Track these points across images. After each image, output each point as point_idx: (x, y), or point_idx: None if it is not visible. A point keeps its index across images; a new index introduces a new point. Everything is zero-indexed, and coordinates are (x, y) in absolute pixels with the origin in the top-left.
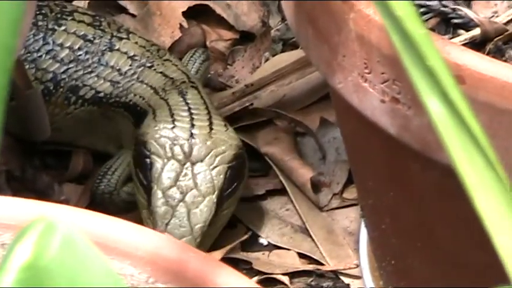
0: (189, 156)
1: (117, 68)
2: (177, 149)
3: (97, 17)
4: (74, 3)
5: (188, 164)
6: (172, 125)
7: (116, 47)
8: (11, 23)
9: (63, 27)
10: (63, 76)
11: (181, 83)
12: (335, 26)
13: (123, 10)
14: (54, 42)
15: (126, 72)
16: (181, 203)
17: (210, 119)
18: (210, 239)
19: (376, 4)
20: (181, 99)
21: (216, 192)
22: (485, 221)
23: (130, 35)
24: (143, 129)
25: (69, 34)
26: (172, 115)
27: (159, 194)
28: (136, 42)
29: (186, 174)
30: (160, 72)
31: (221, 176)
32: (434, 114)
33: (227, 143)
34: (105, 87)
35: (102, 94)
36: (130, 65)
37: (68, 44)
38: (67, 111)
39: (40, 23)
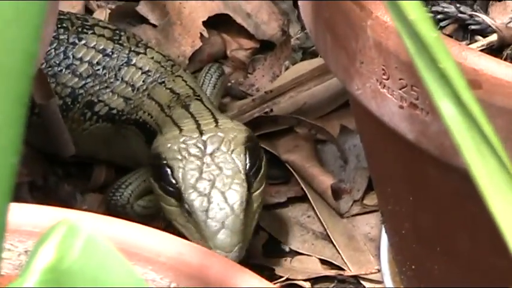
0: (204, 149)
1: (131, 83)
2: (191, 147)
3: (117, 31)
4: (95, 15)
5: (206, 156)
6: (179, 131)
7: (133, 62)
8: (31, 28)
9: (83, 41)
10: (81, 91)
11: (185, 98)
12: (353, 33)
13: (144, 20)
14: (74, 57)
15: (138, 88)
16: (213, 190)
17: (214, 117)
18: (252, 221)
19: (389, 8)
20: (184, 110)
21: (242, 171)
22: (499, 223)
23: (148, 50)
24: (153, 146)
25: (88, 48)
26: (176, 124)
27: (190, 189)
28: (152, 57)
29: (208, 165)
30: (169, 89)
31: (241, 156)
32: (447, 117)
33: (235, 129)
34: (118, 103)
35: (115, 111)
36: (143, 81)
37: (87, 59)
38: (83, 127)
39: (61, 37)
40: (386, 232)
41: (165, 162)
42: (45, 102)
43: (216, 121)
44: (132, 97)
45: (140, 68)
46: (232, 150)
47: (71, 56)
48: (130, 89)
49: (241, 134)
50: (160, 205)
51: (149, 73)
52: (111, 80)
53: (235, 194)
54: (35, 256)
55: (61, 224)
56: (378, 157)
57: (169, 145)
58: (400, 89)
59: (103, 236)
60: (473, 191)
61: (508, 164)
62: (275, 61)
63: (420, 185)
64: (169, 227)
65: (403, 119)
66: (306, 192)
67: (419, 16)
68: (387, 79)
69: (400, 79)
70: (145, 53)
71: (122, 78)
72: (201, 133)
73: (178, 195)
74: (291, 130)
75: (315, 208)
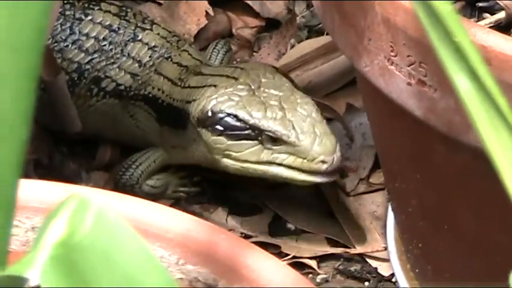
0: (250, 86)
1: (138, 59)
2: (237, 91)
3: (124, 8)
4: None
5: (256, 89)
6: (213, 87)
7: (139, 38)
8: (41, 3)
9: (89, 17)
10: (87, 67)
11: (194, 67)
12: (361, 10)
13: None
14: (81, 32)
15: (145, 64)
16: (285, 111)
17: (232, 67)
18: None
19: None
20: (199, 76)
21: (294, 89)
22: None
23: (154, 26)
24: (196, 111)
25: (95, 24)
26: (203, 86)
27: (265, 120)
28: (158, 33)
29: (264, 96)
30: (176, 63)
31: (283, 78)
32: (462, 91)
33: (260, 65)
34: (126, 79)
35: (122, 87)
36: (150, 56)
37: (93, 34)
38: (89, 103)
39: (67, 12)
40: (392, 210)
41: (223, 114)
42: (52, 79)
43: (238, 67)
44: (139, 73)
45: (146, 44)
46: (273, 77)
47: (77, 32)
48: (137, 64)
49: (267, 66)
50: (168, 183)
51: (155, 48)
52: (118, 56)
53: (307, 105)
54: (45, 230)
55: (72, 199)
56: (385, 134)
57: (215, 100)
58: (408, 66)
59: (113, 211)
60: (481, 168)
61: None
62: (281, 39)
63: (427, 163)
64: (176, 205)
65: (411, 95)
66: None
67: None
68: (395, 56)
69: (408, 56)
70: (151, 29)
71: (129, 54)
72: (235, 79)
73: (254, 134)
74: None
75: (321, 186)
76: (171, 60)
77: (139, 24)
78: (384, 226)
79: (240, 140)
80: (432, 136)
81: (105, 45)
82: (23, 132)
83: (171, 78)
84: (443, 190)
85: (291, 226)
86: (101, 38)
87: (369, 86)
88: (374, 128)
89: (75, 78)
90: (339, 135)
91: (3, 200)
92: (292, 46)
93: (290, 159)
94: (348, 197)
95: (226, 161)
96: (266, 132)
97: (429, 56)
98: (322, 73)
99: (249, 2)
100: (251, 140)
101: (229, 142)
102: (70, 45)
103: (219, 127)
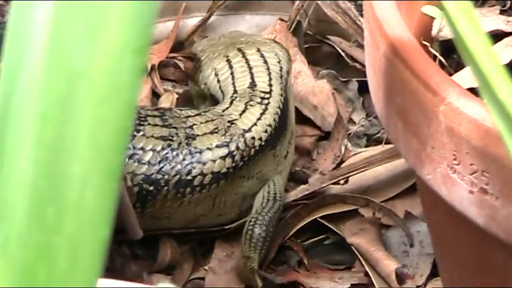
0: None
1: (219, 145)
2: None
3: (164, 117)
4: (162, 99)
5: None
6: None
7: (196, 133)
8: (126, 104)
9: (141, 133)
10: (158, 176)
11: (242, 92)
12: (425, 119)
13: None
14: (135, 147)
15: (227, 144)
16: None
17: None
18: None
19: (481, 89)
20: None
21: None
22: None
23: (196, 117)
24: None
25: (148, 138)
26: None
27: None
28: (207, 120)
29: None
30: (240, 112)
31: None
32: None
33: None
34: (219, 164)
35: (222, 171)
36: (222, 132)
37: (149, 147)
38: (182, 201)
39: None
40: None
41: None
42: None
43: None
44: (234, 149)
45: (205, 133)
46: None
47: (131, 147)
48: (221, 148)
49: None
50: None
51: (216, 128)
52: (189, 156)
53: None
54: None
55: None
56: (445, 241)
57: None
58: (470, 174)
59: None
60: None
61: None
62: (334, 143)
63: (488, 270)
64: None
65: (472, 203)
66: (370, 275)
67: (509, 96)
68: (458, 164)
69: (471, 164)
70: (196, 123)
71: (201, 147)
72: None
73: None
74: (356, 213)
75: None
76: (237, 118)
77: (184, 126)
78: None
79: None
80: (493, 244)
81: (167, 153)
82: (104, 231)
83: (256, 118)
84: None
85: None
86: (159, 148)
87: (430, 194)
88: (434, 235)
89: (151, 189)
90: (397, 242)
91: None
92: (346, 148)
93: None
94: None
95: None
96: None
97: (492, 165)
98: (381, 179)
99: (310, 116)
100: None
101: None
102: (127, 160)
103: None
